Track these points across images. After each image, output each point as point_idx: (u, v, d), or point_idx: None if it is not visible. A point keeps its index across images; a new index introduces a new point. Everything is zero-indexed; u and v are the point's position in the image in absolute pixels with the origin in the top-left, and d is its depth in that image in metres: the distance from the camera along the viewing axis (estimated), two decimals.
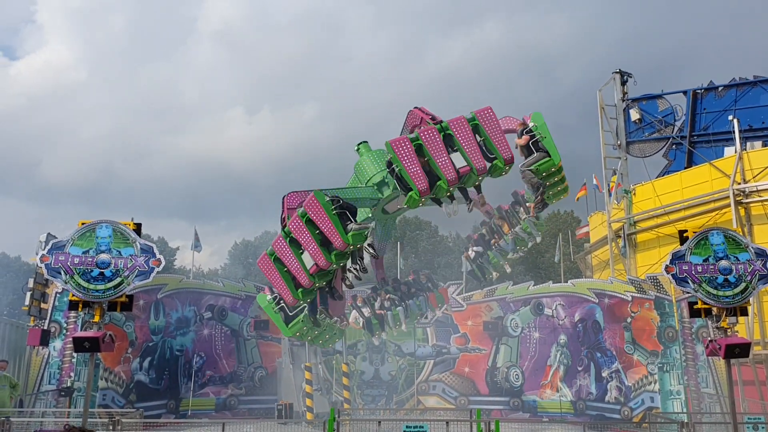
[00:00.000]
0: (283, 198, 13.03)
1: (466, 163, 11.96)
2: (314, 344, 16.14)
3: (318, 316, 14.25)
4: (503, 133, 12.47)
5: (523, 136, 13.14)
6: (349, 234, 11.62)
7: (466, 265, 18.37)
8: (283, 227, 12.54)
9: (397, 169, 11.82)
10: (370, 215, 14.99)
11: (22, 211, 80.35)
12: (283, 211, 12.89)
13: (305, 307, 14.11)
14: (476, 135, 12.29)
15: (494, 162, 12.30)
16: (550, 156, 13.15)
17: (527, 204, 16.51)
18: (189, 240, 23.08)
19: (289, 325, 14.19)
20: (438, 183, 11.79)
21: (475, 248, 17.98)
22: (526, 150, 13.26)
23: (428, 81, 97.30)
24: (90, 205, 79.38)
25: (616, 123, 25.42)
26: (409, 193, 11.80)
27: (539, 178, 13.70)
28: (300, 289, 12.45)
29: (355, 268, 13.67)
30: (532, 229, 16.83)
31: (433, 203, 14.82)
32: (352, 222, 11.75)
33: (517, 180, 14.32)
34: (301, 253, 12.09)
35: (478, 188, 13.22)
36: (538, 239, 17.54)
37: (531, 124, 13.36)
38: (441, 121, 12.24)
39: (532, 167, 13.25)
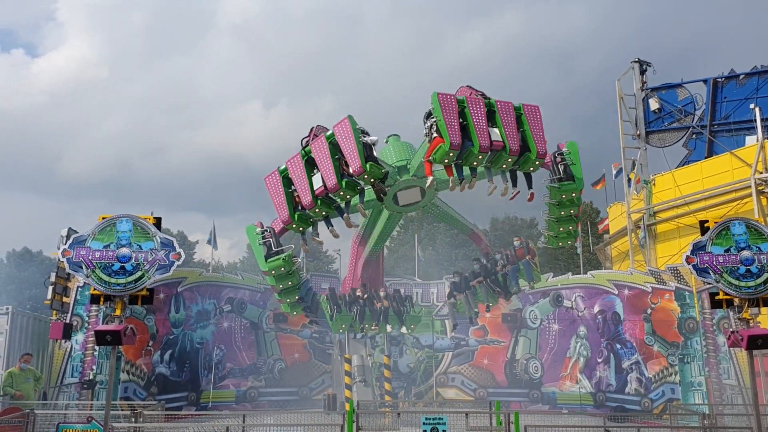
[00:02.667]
0: (312, 127, 13.20)
1: (501, 139, 12.02)
2: (282, 299, 15.95)
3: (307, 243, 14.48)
4: (543, 132, 12.61)
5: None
6: (368, 163, 11.74)
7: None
8: (303, 148, 12.76)
9: (435, 119, 11.86)
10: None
11: (43, 206, 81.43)
12: (308, 135, 12.98)
13: (290, 249, 14.28)
14: (518, 124, 12.51)
15: (527, 153, 12.36)
16: (573, 181, 13.61)
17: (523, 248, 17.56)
18: (208, 233, 23.23)
19: (268, 260, 14.21)
20: (470, 148, 11.82)
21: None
22: (552, 174, 13.89)
23: (445, 73, 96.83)
24: (109, 199, 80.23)
25: (635, 113, 25.20)
26: (441, 145, 11.81)
27: (557, 201, 13.95)
28: (298, 213, 12.58)
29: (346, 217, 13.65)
30: (530, 273, 17.48)
31: (440, 187, 15.42)
32: (373, 156, 12.14)
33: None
34: (313, 175, 12.33)
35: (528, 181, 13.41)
36: (538, 281, 18.35)
37: (565, 150, 13.76)
38: (489, 98, 12.31)
39: (555, 185, 13.67)
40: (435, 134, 11.99)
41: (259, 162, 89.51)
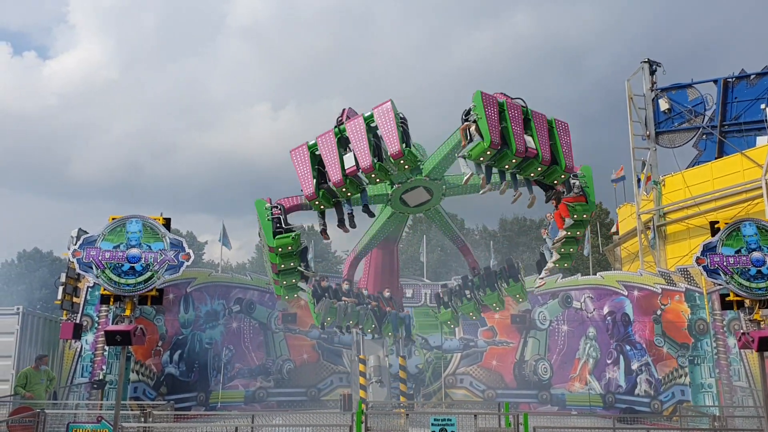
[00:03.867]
0: (344, 109, 13.12)
1: (535, 147, 12.05)
2: (279, 279, 15.08)
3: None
4: (571, 148, 12.71)
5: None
6: (406, 149, 11.72)
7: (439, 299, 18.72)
8: (337, 126, 12.56)
9: (476, 117, 11.86)
10: (388, 193, 15.16)
11: (54, 207, 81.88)
12: (341, 115, 12.90)
13: (300, 229, 14.12)
14: (549, 136, 12.61)
15: (555, 166, 12.43)
16: (587, 202, 13.80)
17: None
18: (217, 234, 23.30)
19: (277, 237, 14.04)
20: (505, 150, 11.85)
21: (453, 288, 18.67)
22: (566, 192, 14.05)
23: (455, 74, 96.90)
24: (119, 200, 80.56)
25: (645, 113, 25.10)
26: (480, 142, 11.80)
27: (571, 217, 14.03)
28: (322, 190, 12.45)
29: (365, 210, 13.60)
30: (522, 292, 17.85)
31: (455, 191, 15.55)
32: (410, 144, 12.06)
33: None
34: (344, 154, 12.12)
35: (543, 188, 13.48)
36: (522, 302, 18.47)
37: (580, 173, 13.82)
38: (526, 106, 12.35)
39: (570, 204, 13.79)
40: (474, 133, 11.95)
41: (267, 163, 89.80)
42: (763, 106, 21.68)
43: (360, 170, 11.91)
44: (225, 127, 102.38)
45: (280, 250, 13.82)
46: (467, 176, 12.95)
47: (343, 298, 17.22)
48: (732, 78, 23.99)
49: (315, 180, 12.32)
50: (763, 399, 9.49)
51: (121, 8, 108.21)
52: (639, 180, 23.17)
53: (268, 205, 14.19)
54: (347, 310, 16.92)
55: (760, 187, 18.87)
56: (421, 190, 15.82)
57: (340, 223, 13.18)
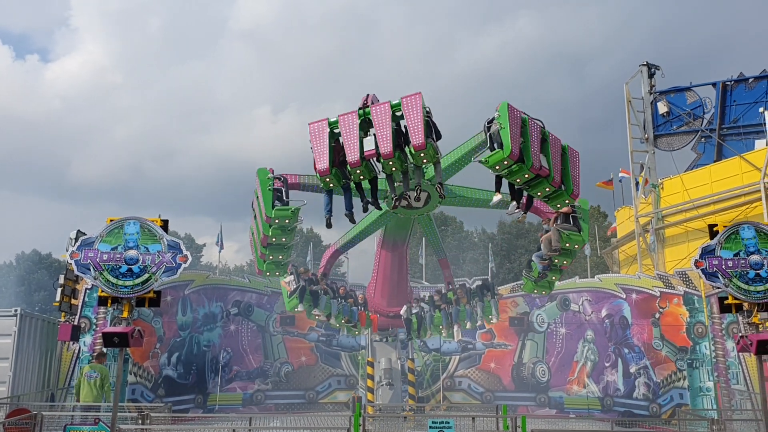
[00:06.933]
0: (368, 95, 13.05)
1: (548, 168, 12.19)
2: (266, 254, 14.41)
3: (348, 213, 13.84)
4: (579, 177, 12.95)
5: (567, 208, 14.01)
6: (429, 143, 11.60)
7: (407, 311, 18.61)
8: (362, 108, 12.30)
9: (499, 126, 11.90)
10: (386, 190, 14.99)
11: (53, 209, 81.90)
12: (365, 99, 12.79)
13: (302, 204, 13.74)
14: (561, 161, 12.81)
15: (562, 190, 12.60)
16: (580, 233, 14.15)
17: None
18: (215, 237, 23.30)
19: (275, 208, 13.80)
20: (521, 164, 11.91)
21: (422, 303, 18.36)
22: (563, 219, 14.34)
23: (459, 78, 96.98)
24: (120, 203, 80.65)
25: (644, 116, 25.12)
26: (499, 151, 11.83)
27: (562, 246, 14.20)
28: (335, 169, 12.25)
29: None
30: (494, 312, 17.77)
31: (457, 201, 15.44)
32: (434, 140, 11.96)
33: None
34: (364, 137, 11.85)
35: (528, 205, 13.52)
36: (495, 321, 18.24)
37: (577, 205, 14.02)
38: (544, 127, 12.50)
39: (564, 232, 14.08)
40: (495, 143, 12.03)
41: (266, 166, 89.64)
42: (761, 109, 21.69)
43: (379, 155, 11.78)
44: (226, 129, 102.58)
45: (277, 222, 13.46)
46: (496, 200, 13.14)
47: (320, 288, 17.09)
48: (731, 81, 24.02)
49: (331, 157, 12.05)
50: (762, 402, 9.48)
51: (123, 12, 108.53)
52: (637, 183, 23.19)
53: (271, 175, 13.82)
54: (320, 299, 16.71)
55: (759, 191, 18.86)
56: (423, 195, 15.74)
57: (349, 211, 13.04)
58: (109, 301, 9.29)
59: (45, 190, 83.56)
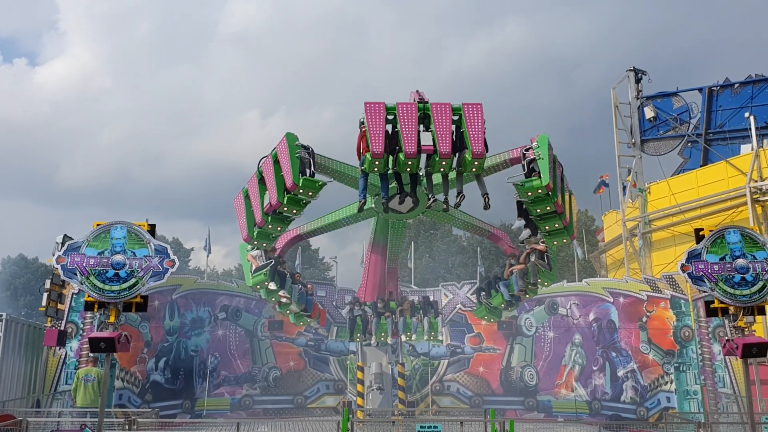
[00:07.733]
0: (418, 90, 13.07)
1: (562, 205, 12.67)
2: (267, 222, 13.71)
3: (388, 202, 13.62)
4: (576, 219, 13.74)
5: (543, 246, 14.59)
6: (486, 154, 11.85)
7: (350, 312, 18.83)
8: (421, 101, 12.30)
9: (537, 156, 12.27)
10: (372, 205, 14.77)
11: (40, 213, 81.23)
12: (415, 94, 12.78)
13: (324, 182, 13.32)
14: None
15: (558, 216, 12.81)
16: (551, 270, 15.00)
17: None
18: (203, 241, 23.16)
19: (303, 177, 13.15)
20: (548, 197, 12.31)
21: (365, 307, 18.80)
22: (538, 255, 14.87)
23: (448, 83, 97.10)
24: (107, 207, 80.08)
25: (631, 121, 25.28)
26: (538, 179, 12.14)
27: (528, 199, 14.17)
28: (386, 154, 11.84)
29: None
30: (441, 329, 18.99)
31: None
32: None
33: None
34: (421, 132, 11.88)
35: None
36: (441, 338, 19.41)
37: (534, 144, 13.98)
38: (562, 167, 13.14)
39: (518, 183, 13.61)
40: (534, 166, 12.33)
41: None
42: (747, 114, 21.87)
43: (437, 152, 11.62)
44: (215, 133, 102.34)
45: (301, 192, 12.73)
46: (524, 236, 13.53)
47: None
48: (716, 87, 24.24)
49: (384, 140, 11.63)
50: (748, 405, 9.54)
51: (111, 15, 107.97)
52: (624, 187, 23.33)
53: (299, 143, 13.00)
54: (286, 280, 16.36)
55: (745, 195, 19.02)
56: (408, 200, 15.59)
57: (402, 194, 13.00)
58: (96, 305, 9.25)
59: (32, 193, 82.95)
